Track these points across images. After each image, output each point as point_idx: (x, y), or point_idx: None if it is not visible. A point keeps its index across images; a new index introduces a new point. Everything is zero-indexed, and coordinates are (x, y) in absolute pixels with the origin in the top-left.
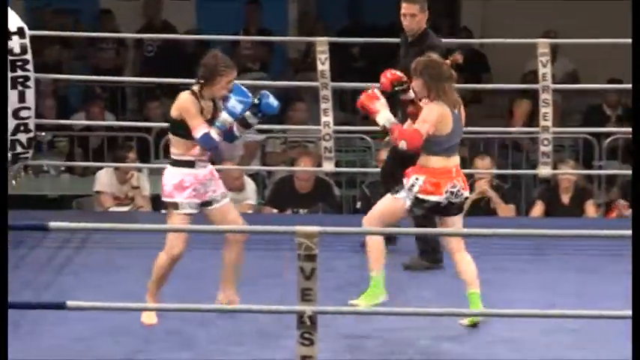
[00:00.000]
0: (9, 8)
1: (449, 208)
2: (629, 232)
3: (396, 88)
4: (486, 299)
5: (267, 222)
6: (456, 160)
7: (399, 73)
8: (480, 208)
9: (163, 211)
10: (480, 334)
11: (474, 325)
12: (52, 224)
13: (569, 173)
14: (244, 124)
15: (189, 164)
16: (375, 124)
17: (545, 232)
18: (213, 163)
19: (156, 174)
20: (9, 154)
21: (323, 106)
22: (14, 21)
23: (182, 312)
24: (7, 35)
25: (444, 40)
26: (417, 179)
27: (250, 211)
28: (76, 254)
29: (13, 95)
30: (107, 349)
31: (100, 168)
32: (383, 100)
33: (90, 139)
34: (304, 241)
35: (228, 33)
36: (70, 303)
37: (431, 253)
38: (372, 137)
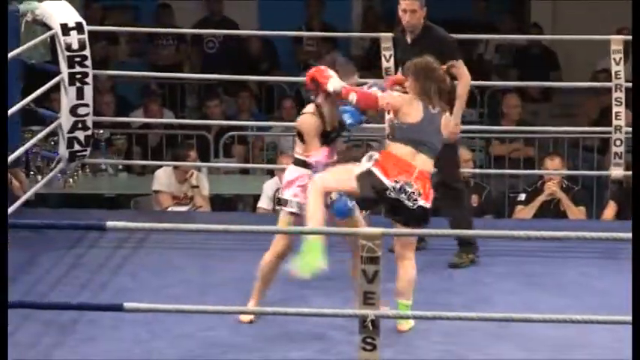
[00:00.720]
0: (67, 3)
1: (398, 209)
2: None
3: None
4: (555, 304)
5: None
6: (423, 162)
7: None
8: (550, 210)
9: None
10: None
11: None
12: (109, 224)
13: None
14: None
15: (308, 165)
16: None
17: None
18: None
19: (215, 173)
20: (67, 152)
21: None
22: (72, 16)
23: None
24: (67, 30)
25: (513, 36)
26: (374, 155)
27: None
28: (133, 254)
29: (71, 92)
30: (165, 352)
31: (159, 167)
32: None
33: (148, 137)
34: (367, 243)
35: (291, 29)
36: (127, 305)
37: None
38: None
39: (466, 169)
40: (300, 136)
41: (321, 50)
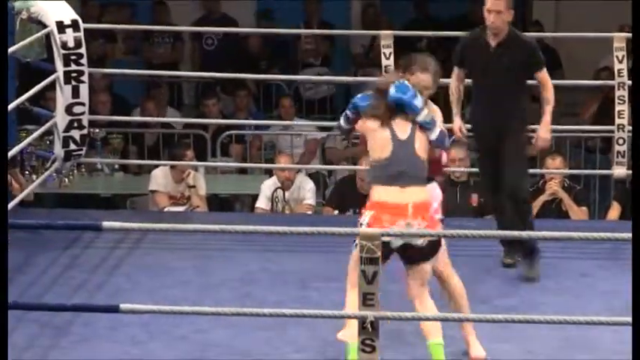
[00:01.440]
0: (64, 0)
1: (410, 253)
2: None
3: None
4: (562, 305)
5: (328, 223)
6: (412, 194)
7: None
8: (552, 210)
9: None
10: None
11: None
12: (105, 224)
13: None
14: None
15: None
16: None
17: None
18: None
19: (212, 173)
20: (62, 152)
21: None
22: (68, 13)
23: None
24: (62, 28)
25: None
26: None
27: (310, 212)
28: (129, 255)
29: (67, 90)
30: (162, 354)
31: (156, 166)
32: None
33: (145, 137)
34: (366, 243)
35: (289, 27)
36: (123, 306)
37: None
38: None
39: (464, 169)
40: None
41: (319, 48)
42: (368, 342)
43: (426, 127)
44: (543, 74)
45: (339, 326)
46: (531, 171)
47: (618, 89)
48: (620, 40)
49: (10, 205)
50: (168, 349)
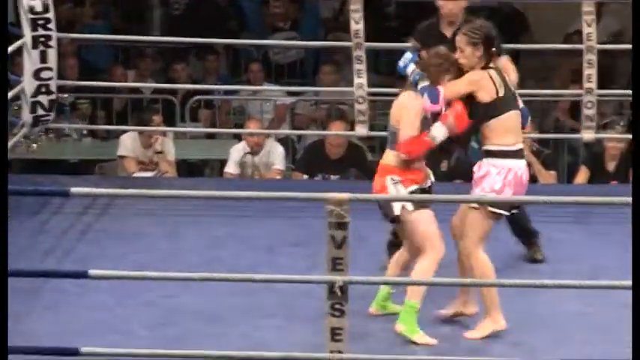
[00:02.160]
0: None
1: None
2: None
3: None
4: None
5: (297, 188)
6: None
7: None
8: None
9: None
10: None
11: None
12: (74, 190)
13: (615, 138)
14: None
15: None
16: None
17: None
18: None
19: (181, 138)
20: (30, 117)
21: (356, 67)
22: None
23: (208, 283)
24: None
25: None
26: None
27: (279, 177)
28: (97, 221)
29: (34, 55)
30: (130, 319)
31: (124, 132)
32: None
33: (113, 102)
34: (335, 208)
35: None
36: (91, 272)
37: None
38: None
39: None
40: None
41: (288, 11)
42: (337, 306)
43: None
44: (504, 62)
45: (307, 291)
46: None
47: (587, 53)
48: (588, 4)
49: None
50: (136, 315)
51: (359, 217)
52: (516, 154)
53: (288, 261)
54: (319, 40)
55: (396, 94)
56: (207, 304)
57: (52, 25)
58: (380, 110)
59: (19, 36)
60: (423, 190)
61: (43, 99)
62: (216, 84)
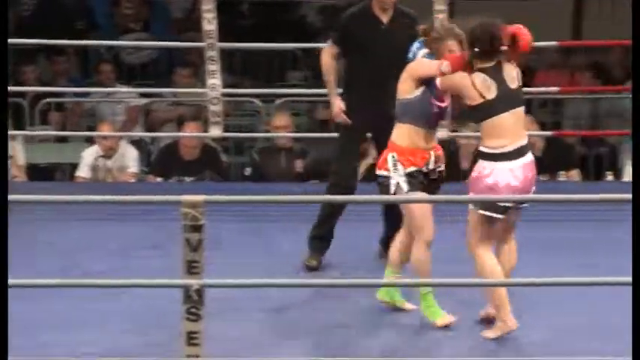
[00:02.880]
0: None
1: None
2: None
3: None
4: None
5: (151, 191)
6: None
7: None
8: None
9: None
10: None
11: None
12: None
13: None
14: None
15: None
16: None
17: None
18: None
19: (31, 142)
20: None
21: (210, 67)
22: None
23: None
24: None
25: None
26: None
27: (133, 180)
28: None
29: None
30: None
31: None
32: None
33: None
34: (190, 210)
35: None
36: None
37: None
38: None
39: (289, 134)
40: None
41: (139, 12)
42: (193, 310)
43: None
44: None
45: (164, 294)
46: None
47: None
48: (440, 2)
49: None
50: None
51: (215, 219)
52: (508, 156)
53: (144, 265)
54: (171, 41)
55: (249, 95)
56: (63, 310)
57: None
58: (235, 111)
59: None
60: (422, 173)
61: None
62: (67, 86)
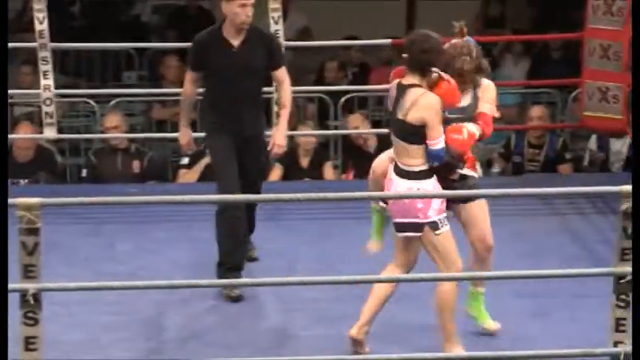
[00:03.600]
0: None
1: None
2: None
3: None
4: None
5: None
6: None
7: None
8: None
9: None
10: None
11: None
12: None
13: (306, 135)
14: None
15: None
16: None
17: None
18: None
19: None
20: None
21: (42, 68)
22: None
23: None
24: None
25: None
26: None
27: None
28: None
29: None
30: None
31: None
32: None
33: None
34: (25, 213)
35: None
36: None
37: None
38: None
39: (122, 135)
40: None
41: None
42: (30, 315)
43: None
44: (282, 71)
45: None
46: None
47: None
48: (275, 1)
49: None
50: None
51: (51, 221)
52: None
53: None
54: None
55: (81, 96)
56: None
57: None
58: (70, 112)
59: None
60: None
61: None
62: None
